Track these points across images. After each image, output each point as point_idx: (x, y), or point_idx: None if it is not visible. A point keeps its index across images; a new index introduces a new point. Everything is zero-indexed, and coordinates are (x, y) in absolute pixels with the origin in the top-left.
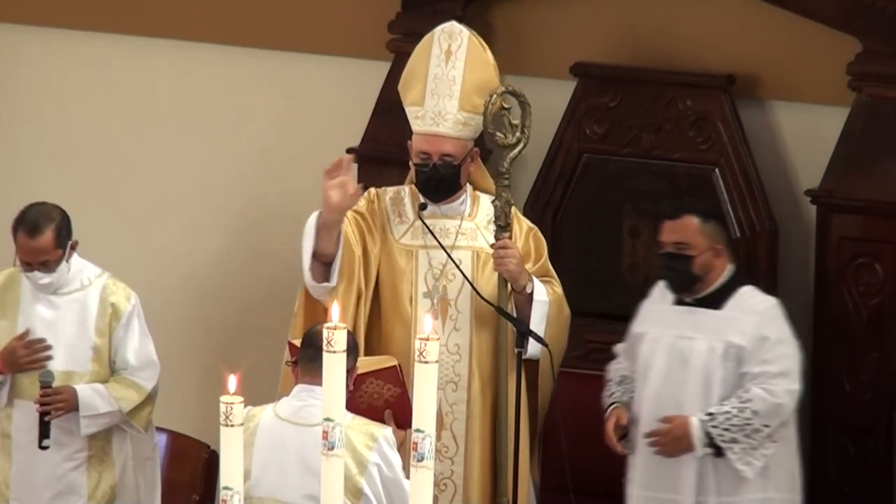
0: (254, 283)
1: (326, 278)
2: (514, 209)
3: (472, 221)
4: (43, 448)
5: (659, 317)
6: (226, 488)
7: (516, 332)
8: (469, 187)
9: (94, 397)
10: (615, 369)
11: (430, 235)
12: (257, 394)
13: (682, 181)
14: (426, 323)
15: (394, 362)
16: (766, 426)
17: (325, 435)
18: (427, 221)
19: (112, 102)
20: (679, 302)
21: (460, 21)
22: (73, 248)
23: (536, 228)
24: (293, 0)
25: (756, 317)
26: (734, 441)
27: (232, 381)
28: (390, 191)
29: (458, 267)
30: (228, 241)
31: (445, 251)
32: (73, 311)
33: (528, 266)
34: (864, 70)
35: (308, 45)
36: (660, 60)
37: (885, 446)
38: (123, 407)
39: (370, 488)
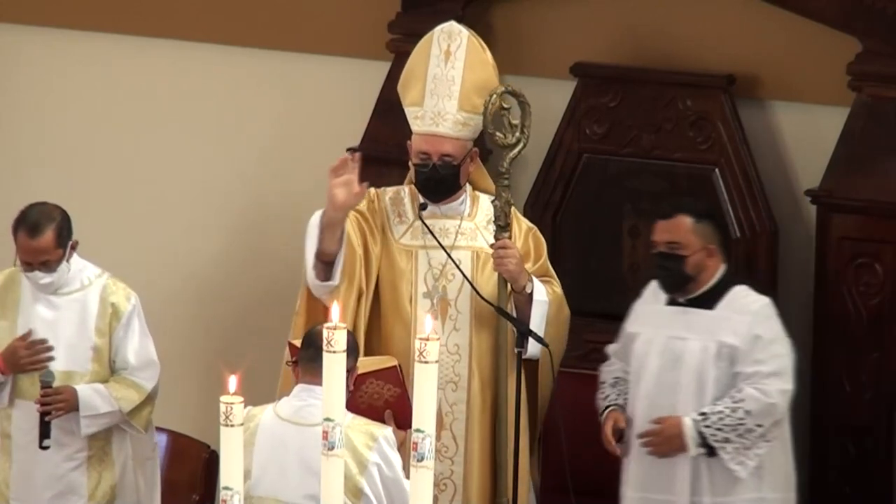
0: (254, 283)
1: (328, 277)
2: (513, 209)
3: (471, 221)
4: (43, 448)
5: (652, 317)
6: (226, 488)
7: (516, 332)
8: (468, 187)
9: (95, 397)
10: (608, 371)
11: (429, 235)
12: (257, 394)
13: (682, 181)
14: (426, 323)
15: (394, 362)
16: (759, 426)
17: (325, 435)
18: (427, 221)
19: (112, 102)
20: (672, 302)
21: (460, 21)
22: (73, 248)
23: (536, 228)
24: (293, 0)
25: (749, 316)
26: (727, 441)
27: (232, 382)
28: (390, 191)
29: (457, 267)
30: (228, 241)
31: (445, 251)
32: (73, 311)
33: (528, 266)
34: (864, 70)
35: (308, 45)
36: (660, 60)
37: (885, 446)
38: (124, 407)
39: (370, 488)
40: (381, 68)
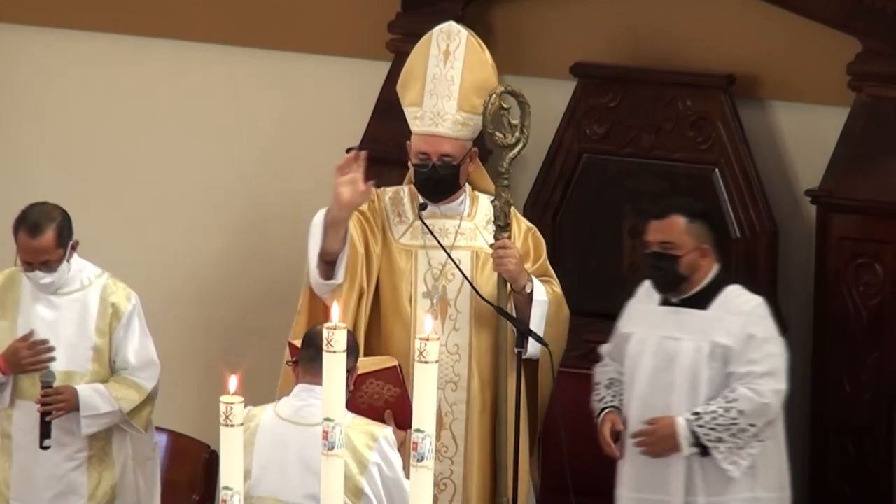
0: (254, 284)
1: (330, 276)
2: (513, 209)
3: (471, 221)
4: (44, 448)
5: (645, 317)
6: (226, 488)
7: (516, 331)
8: (468, 187)
9: (95, 397)
10: (602, 372)
11: (429, 235)
12: (257, 394)
13: (682, 181)
14: (426, 323)
15: (394, 363)
16: (753, 426)
17: (325, 435)
18: (426, 221)
19: (112, 102)
20: (665, 302)
21: (460, 21)
22: (73, 248)
23: (535, 228)
24: (293, 0)
25: (742, 316)
26: (720, 440)
27: (232, 382)
28: (389, 191)
29: (457, 267)
30: (228, 241)
31: (445, 251)
32: (73, 312)
33: (528, 266)
34: (864, 70)
35: (308, 45)
36: (660, 60)
37: (885, 446)
38: (124, 407)
39: (370, 488)
40: (381, 68)
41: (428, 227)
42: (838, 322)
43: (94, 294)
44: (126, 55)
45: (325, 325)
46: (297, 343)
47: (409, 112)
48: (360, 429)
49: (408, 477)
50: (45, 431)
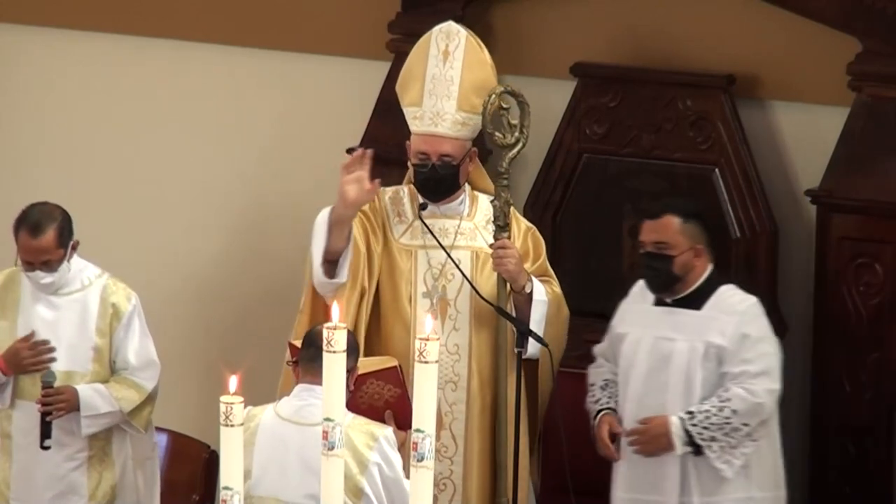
0: (254, 284)
1: (333, 275)
2: (512, 209)
3: (470, 221)
4: (45, 448)
5: (639, 317)
6: (226, 488)
7: (516, 331)
8: (467, 187)
9: (96, 397)
10: (597, 373)
11: (429, 235)
12: (258, 394)
13: (682, 181)
14: (426, 323)
15: (394, 363)
16: (746, 425)
17: (325, 435)
18: (426, 221)
19: (112, 102)
20: (659, 302)
21: (460, 21)
22: (74, 248)
23: (535, 228)
24: (293, 0)
25: (736, 316)
26: (713, 439)
27: (232, 382)
28: (389, 190)
29: (457, 266)
30: (228, 241)
31: (445, 251)
32: (73, 312)
33: (527, 266)
34: (864, 70)
35: (308, 45)
36: (660, 60)
37: (885, 446)
38: (124, 407)
39: (371, 488)
40: (381, 68)
41: (428, 227)
42: (838, 322)
43: (95, 294)
44: (126, 55)
45: (326, 325)
46: (298, 343)
47: (409, 112)
48: (361, 429)
49: (408, 477)
50: (45, 431)
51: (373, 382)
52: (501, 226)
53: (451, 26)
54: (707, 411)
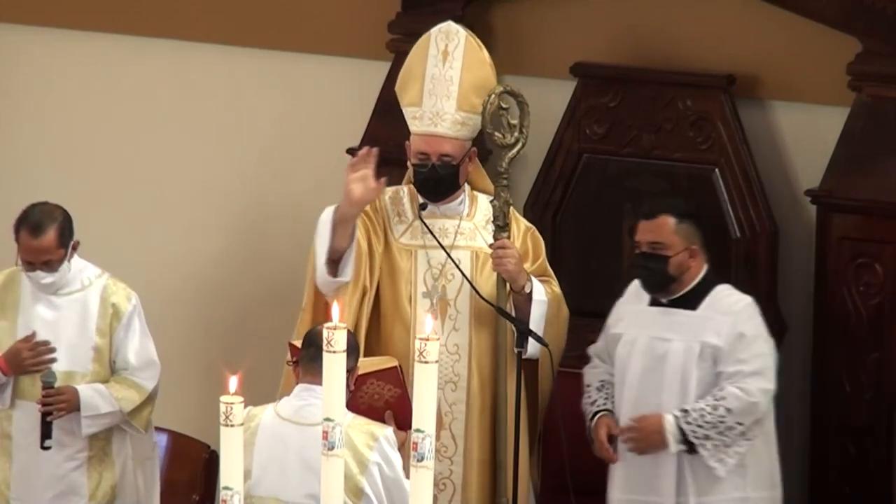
0: (254, 284)
1: (335, 274)
2: (512, 209)
3: (470, 221)
4: (45, 448)
5: (635, 318)
6: (226, 488)
7: (516, 331)
8: (467, 187)
9: (96, 397)
10: (593, 374)
11: (429, 235)
12: (258, 394)
13: (682, 181)
14: (426, 323)
15: (394, 363)
16: (740, 424)
17: (325, 435)
18: (426, 221)
19: (112, 102)
20: (654, 302)
21: (460, 21)
22: (74, 248)
23: (534, 228)
24: (293, 0)
25: (732, 316)
26: (707, 438)
27: (232, 382)
28: (389, 191)
29: (457, 266)
30: (228, 241)
31: (445, 251)
32: (73, 312)
33: (527, 266)
34: (864, 70)
35: (308, 45)
36: (660, 60)
37: (885, 446)
38: (124, 407)
39: (371, 488)
40: (381, 68)
41: (428, 227)
42: (838, 322)
43: (95, 294)
44: (126, 55)
45: (326, 325)
46: (298, 343)
47: (408, 112)
48: (361, 428)
49: (408, 477)
50: (45, 432)
51: (373, 382)
52: (501, 226)
53: (450, 26)
54: (701, 410)
